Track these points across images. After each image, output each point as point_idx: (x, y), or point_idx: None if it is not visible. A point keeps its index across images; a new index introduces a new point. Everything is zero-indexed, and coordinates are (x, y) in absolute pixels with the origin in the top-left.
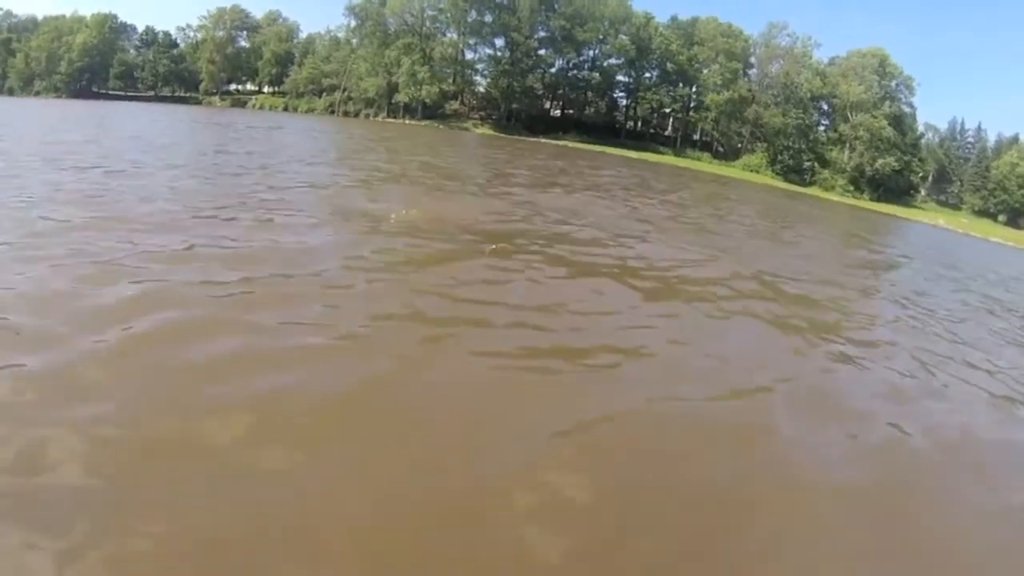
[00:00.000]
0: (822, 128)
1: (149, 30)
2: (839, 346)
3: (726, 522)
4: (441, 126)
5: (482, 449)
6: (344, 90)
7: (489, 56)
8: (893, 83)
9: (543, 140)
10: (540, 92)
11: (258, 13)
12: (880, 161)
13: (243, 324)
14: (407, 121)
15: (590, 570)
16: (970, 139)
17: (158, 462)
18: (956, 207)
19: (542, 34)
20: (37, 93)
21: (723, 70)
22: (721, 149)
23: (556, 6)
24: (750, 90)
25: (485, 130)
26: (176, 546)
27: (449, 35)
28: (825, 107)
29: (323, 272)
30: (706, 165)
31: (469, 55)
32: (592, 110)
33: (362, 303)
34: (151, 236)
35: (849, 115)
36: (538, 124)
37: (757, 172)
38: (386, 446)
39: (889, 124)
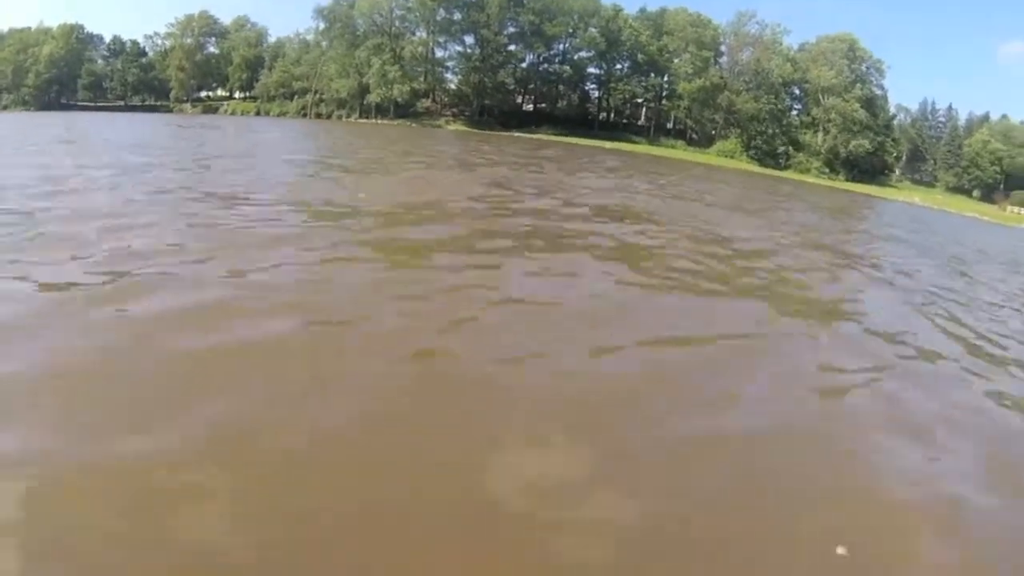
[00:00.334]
0: (795, 112)
1: (117, 40)
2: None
3: None
4: (414, 124)
5: None
6: (315, 92)
7: (459, 53)
8: (863, 67)
9: (516, 134)
10: (512, 87)
11: (226, 19)
12: (853, 143)
13: None
14: (379, 121)
15: None
16: (941, 119)
17: None
18: (930, 185)
19: (511, 29)
20: (5, 107)
21: (694, 59)
22: (695, 136)
23: (525, 1)
24: (722, 77)
25: (458, 126)
26: None
27: (419, 34)
28: (797, 92)
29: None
30: (681, 152)
31: (439, 53)
32: (564, 103)
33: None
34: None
35: (821, 99)
36: (511, 119)
37: (732, 157)
38: None
39: (861, 106)
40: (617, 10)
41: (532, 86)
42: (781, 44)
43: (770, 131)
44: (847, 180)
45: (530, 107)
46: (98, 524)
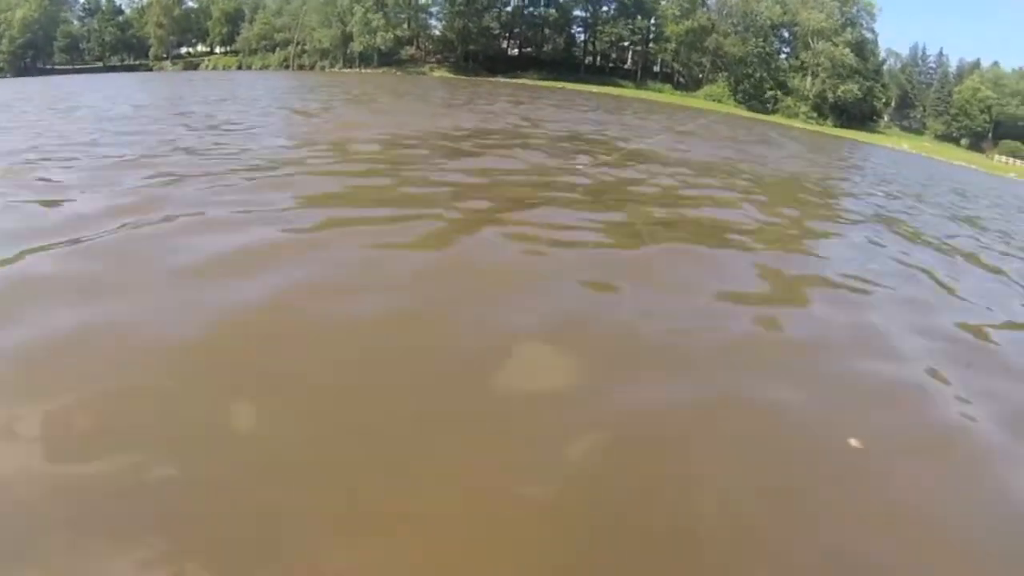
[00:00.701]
0: (783, 56)
1: None
2: None
3: None
4: (398, 72)
5: None
6: (297, 43)
7: None
8: (854, 9)
9: (501, 79)
10: (496, 31)
11: None
12: (842, 88)
13: None
14: (363, 70)
15: None
16: (932, 65)
17: None
18: (919, 132)
19: None
20: None
21: (681, 0)
22: (682, 80)
23: None
24: (709, 19)
25: (443, 73)
26: None
27: None
28: (786, 35)
29: None
30: (668, 96)
31: None
32: (550, 47)
33: None
34: None
35: (810, 42)
36: (496, 64)
37: (719, 101)
38: None
39: (851, 51)
40: None
41: (517, 30)
42: None
43: (758, 75)
44: (835, 126)
45: (515, 51)
46: None
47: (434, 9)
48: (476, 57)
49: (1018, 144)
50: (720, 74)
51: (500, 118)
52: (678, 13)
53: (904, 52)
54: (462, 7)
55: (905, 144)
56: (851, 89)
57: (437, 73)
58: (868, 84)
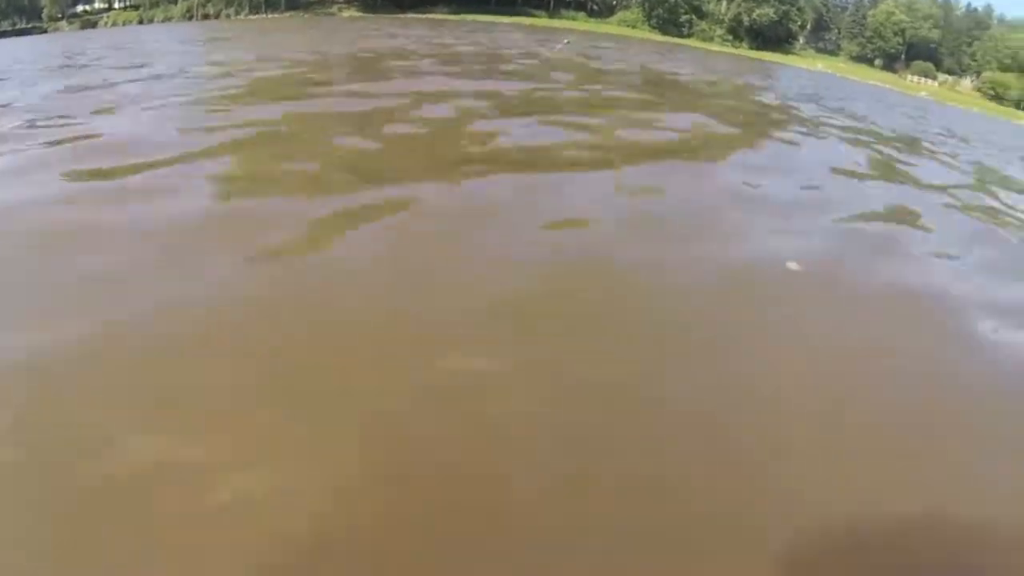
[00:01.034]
0: None
1: None
2: None
3: None
4: (306, 15)
5: None
6: None
7: None
8: None
9: (411, 15)
10: None
11: None
12: (757, 11)
13: None
14: (269, 15)
15: None
16: None
17: None
18: (834, 53)
19: None
20: None
21: None
22: (596, 7)
23: None
24: None
25: (352, 12)
26: None
27: None
28: None
29: None
30: (582, 24)
31: None
32: None
33: None
34: None
35: None
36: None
37: (634, 27)
38: None
39: None
40: None
41: None
42: None
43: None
44: (751, 48)
45: None
46: None
47: None
48: None
49: (929, 65)
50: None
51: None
52: None
53: None
54: None
55: (820, 64)
56: (767, 12)
57: (347, 13)
58: (784, 8)
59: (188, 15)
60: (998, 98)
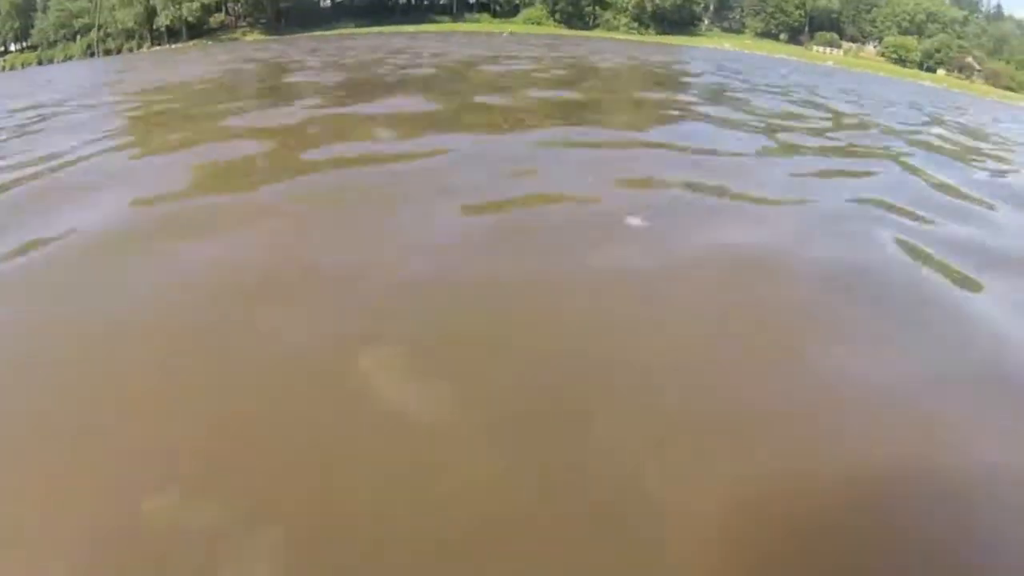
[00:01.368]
0: None
1: None
2: None
3: None
4: (210, 42)
5: None
6: (100, 27)
7: None
8: None
9: (317, 33)
10: None
11: None
12: None
13: None
14: (172, 45)
15: None
16: None
17: None
18: (739, 32)
19: None
20: None
21: None
22: (500, 8)
23: None
24: None
25: (256, 36)
26: None
27: None
28: None
29: None
30: (487, 25)
31: None
32: None
33: None
34: None
35: None
36: (310, 18)
37: (539, 24)
38: None
39: None
40: None
41: None
42: None
43: None
44: (657, 33)
45: (327, 2)
46: None
47: None
48: (288, 14)
49: (833, 35)
50: None
51: None
52: None
53: None
54: None
55: (727, 43)
56: None
57: (251, 37)
58: None
59: (89, 52)
60: (901, 61)
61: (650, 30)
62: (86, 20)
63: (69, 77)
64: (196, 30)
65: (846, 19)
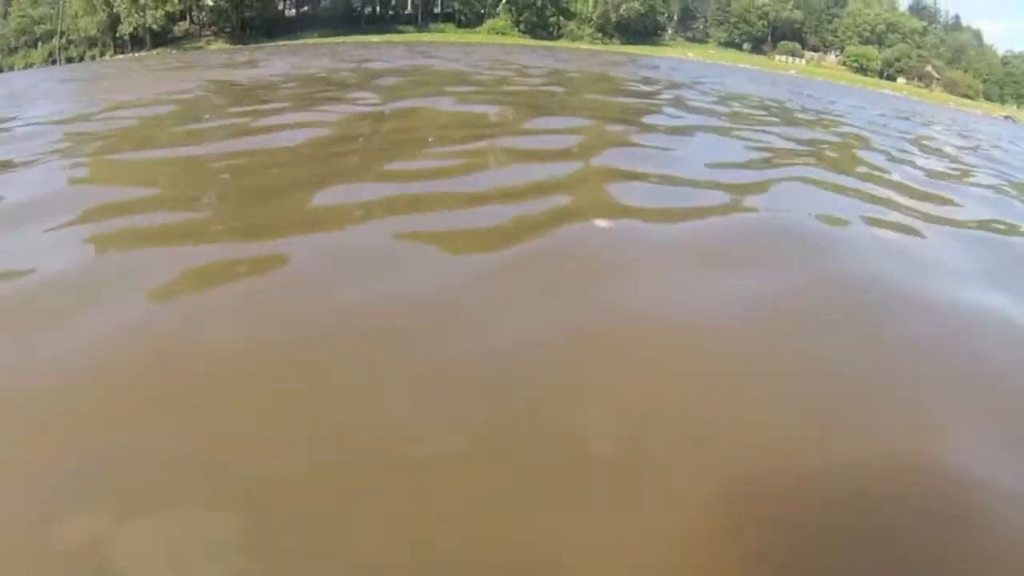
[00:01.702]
0: None
1: None
2: None
3: None
4: (174, 51)
5: None
6: (62, 35)
7: None
8: None
9: (281, 43)
10: None
11: None
12: (624, 6)
13: None
14: (136, 54)
15: None
16: None
17: None
18: (703, 41)
19: None
20: None
21: None
22: (464, 18)
23: None
24: None
25: (220, 45)
26: None
27: None
28: None
29: None
30: (451, 36)
31: None
32: (328, 2)
33: None
34: None
35: None
36: (275, 27)
37: (503, 34)
38: None
39: None
40: None
41: None
42: None
43: (539, 3)
44: (622, 43)
45: (292, 12)
46: None
47: None
48: (253, 23)
49: (796, 44)
50: (503, 6)
51: None
52: None
53: None
54: None
55: (691, 53)
56: (633, 6)
57: (215, 46)
58: (650, 1)
59: (51, 59)
60: (863, 70)
61: (614, 40)
62: (48, 27)
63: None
64: (160, 38)
65: (808, 29)
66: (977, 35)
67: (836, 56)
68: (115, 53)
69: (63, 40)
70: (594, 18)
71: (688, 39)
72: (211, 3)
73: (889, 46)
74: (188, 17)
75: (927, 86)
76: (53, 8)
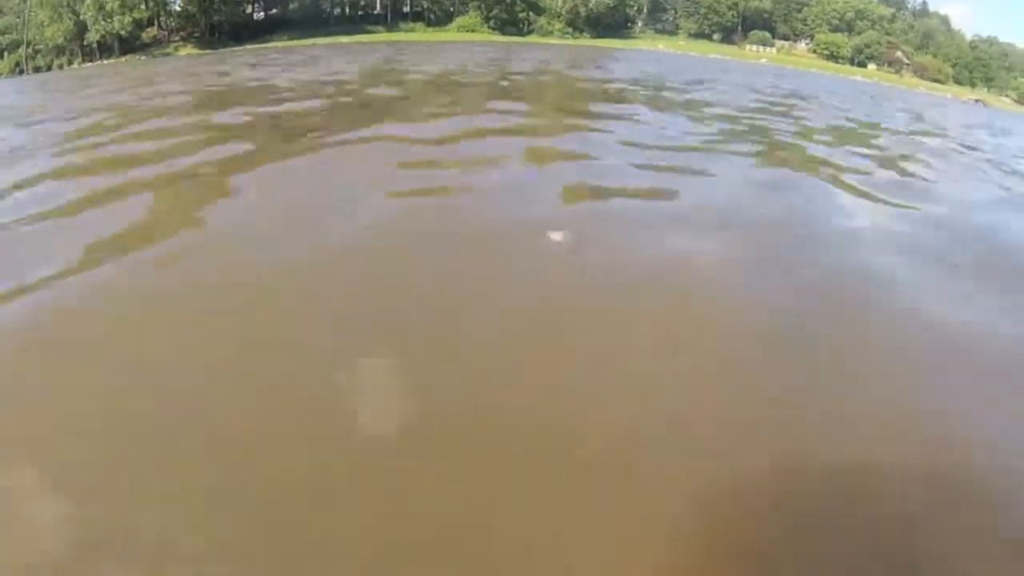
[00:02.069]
0: None
1: None
2: None
3: None
4: (143, 57)
5: None
6: (28, 44)
7: None
8: None
9: (249, 47)
10: None
11: None
12: (594, 1)
13: None
14: (105, 61)
15: None
16: None
17: None
18: (673, 33)
19: None
20: None
21: None
22: (434, 17)
23: None
24: None
25: (189, 50)
26: None
27: None
28: None
29: None
30: (421, 34)
31: None
32: (296, 4)
33: None
34: None
35: None
36: (243, 31)
37: (473, 31)
38: None
39: None
40: None
41: None
42: None
43: None
44: (592, 37)
45: (261, 14)
46: None
47: None
48: (222, 27)
49: (766, 34)
50: (471, 3)
51: None
52: None
53: None
54: None
55: (661, 45)
56: (603, 0)
57: (184, 51)
58: None
59: (18, 69)
60: (833, 57)
61: (584, 34)
62: (14, 36)
63: None
64: (128, 45)
65: (778, 18)
66: (945, 20)
67: (806, 44)
68: (83, 61)
69: (30, 49)
70: (564, 13)
71: (658, 31)
72: (178, 8)
73: (859, 33)
74: (156, 23)
75: (897, 71)
76: (19, 17)
